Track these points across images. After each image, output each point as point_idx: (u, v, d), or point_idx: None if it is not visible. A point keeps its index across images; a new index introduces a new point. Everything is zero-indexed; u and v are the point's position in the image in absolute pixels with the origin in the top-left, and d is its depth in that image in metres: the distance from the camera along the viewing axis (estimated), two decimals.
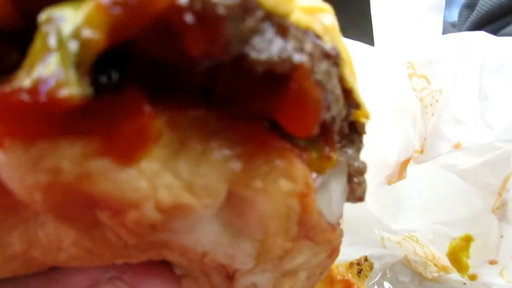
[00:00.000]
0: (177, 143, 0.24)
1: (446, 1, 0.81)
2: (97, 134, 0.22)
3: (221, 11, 0.22)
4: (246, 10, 0.23)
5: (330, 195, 0.32)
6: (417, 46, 0.72)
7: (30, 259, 0.28)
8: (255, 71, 0.24)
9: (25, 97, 0.21)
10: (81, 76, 0.21)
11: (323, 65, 0.27)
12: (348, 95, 0.32)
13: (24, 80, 0.21)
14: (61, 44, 0.21)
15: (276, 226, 0.28)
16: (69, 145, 0.22)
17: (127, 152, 0.23)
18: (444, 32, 0.79)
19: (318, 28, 0.29)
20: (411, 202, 0.93)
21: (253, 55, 0.24)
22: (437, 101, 0.71)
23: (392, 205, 0.91)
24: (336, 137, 0.31)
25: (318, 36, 0.29)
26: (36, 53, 0.21)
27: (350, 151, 0.35)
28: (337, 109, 0.29)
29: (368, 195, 0.38)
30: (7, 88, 0.21)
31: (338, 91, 0.30)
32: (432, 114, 0.72)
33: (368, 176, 0.37)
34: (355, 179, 0.35)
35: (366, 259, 0.91)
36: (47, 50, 0.21)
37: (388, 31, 0.74)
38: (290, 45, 0.25)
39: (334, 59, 0.29)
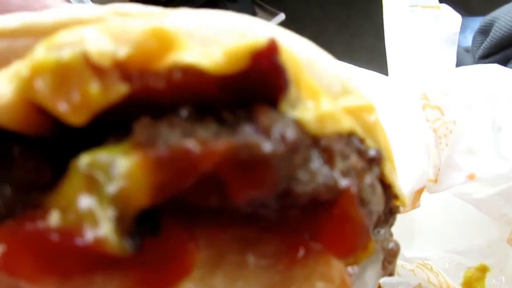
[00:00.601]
0: (214, 258, 0.25)
1: (460, 27, 0.82)
2: (134, 272, 0.22)
3: (269, 159, 0.22)
4: (294, 149, 0.23)
5: (364, 283, 0.33)
6: (430, 78, 0.73)
7: None
8: (299, 202, 0.24)
9: (62, 239, 0.21)
10: (122, 233, 0.21)
11: (368, 179, 0.28)
12: (387, 189, 0.32)
13: (58, 219, 0.21)
14: (103, 199, 0.21)
15: None
16: (104, 282, 0.22)
17: (165, 286, 0.23)
18: (458, 57, 0.80)
19: (360, 129, 0.30)
20: (425, 230, 0.93)
21: (299, 188, 0.24)
22: (451, 132, 0.72)
23: (406, 232, 0.91)
24: (372, 228, 0.31)
25: (361, 140, 0.30)
26: (71, 192, 0.22)
27: (383, 231, 0.35)
28: (377, 209, 0.30)
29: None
30: (42, 225, 0.21)
31: (381, 198, 0.30)
32: (446, 145, 0.73)
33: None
34: (389, 260, 0.36)
35: (379, 286, 0.91)
36: (85, 200, 0.21)
37: (402, 62, 0.75)
38: (336, 171, 0.25)
39: (377, 162, 0.30)
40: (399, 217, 0.92)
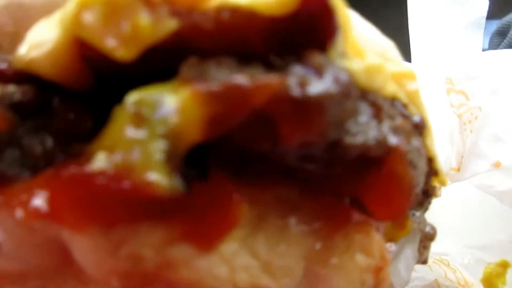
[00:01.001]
0: (256, 219, 0.24)
1: None
2: (180, 220, 0.22)
3: (322, 98, 0.21)
4: (345, 95, 0.22)
5: (402, 264, 0.33)
6: (456, 62, 0.71)
7: None
8: (348, 155, 0.23)
9: (108, 182, 0.20)
10: (172, 170, 0.20)
11: (415, 143, 0.27)
12: (430, 163, 0.32)
13: (104, 162, 0.21)
14: (153, 134, 0.20)
15: None
16: (150, 231, 0.21)
17: (210, 238, 0.22)
18: None
19: (403, 95, 0.29)
20: (444, 224, 0.90)
21: (348, 139, 0.23)
22: (476, 118, 0.70)
23: None
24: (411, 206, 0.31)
25: (404, 106, 0.29)
26: (117, 134, 0.21)
27: (418, 213, 0.35)
28: (421, 179, 0.29)
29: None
30: (86, 170, 0.21)
31: (425, 166, 0.29)
32: (471, 131, 0.71)
33: None
34: (424, 244, 0.35)
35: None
36: (134, 138, 0.21)
37: (426, 47, 0.73)
38: (385, 126, 0.25)
39: (421, 130, 0.29)
40: None
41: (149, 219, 0.21)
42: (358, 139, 0.23)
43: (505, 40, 1.27)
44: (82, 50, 0.23)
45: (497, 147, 0.69)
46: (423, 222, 0.36)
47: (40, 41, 0.24)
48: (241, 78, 0.21)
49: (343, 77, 0.22)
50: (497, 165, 0.69)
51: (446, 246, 0.88)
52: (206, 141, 0.21)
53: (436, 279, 0.89)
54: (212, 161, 0.23)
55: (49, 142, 0.23)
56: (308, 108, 0.21)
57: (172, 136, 0.20)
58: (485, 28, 1.31)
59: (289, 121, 0.21)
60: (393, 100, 0.28)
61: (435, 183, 0.34)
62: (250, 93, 0.20)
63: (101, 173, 0.20)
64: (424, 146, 0.30)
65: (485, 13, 0.73)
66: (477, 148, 0.70)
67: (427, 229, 0.36)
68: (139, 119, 0.21)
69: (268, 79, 0.21)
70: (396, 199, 0.26)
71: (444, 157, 0.72)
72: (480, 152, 0.70)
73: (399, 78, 0.30)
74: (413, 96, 0.31)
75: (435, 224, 0.95)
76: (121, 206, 0.20)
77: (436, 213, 0.89)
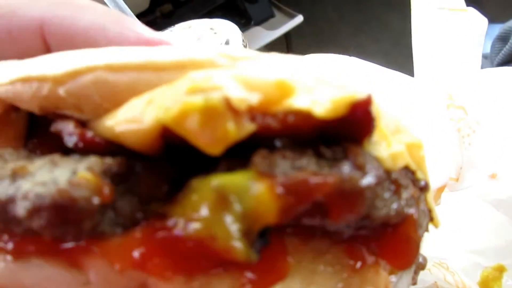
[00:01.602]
0: (294, 264, 0.30)
1: None
2: (242, 273, 0.28)
3: (364, 190, 0.28)
4: (379, 184, 0.29)
5: None
6: (456, 78, 0.75)
7: None
8: (374, 223, 0.30)
9: (194, 245, 0.26)
10: (248, 244, 0.27)
11: (422, 207, 0.34)
12: (429, 213, 0.38)
13: (189, 228, 0.27)
14: (235, 215, 0.27)
15: None
16: (220, 281, 0.28)
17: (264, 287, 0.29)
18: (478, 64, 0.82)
19: (412, 163, 0.36)
20: (443, 229, 0.94)
21: (375, 213, 0.30)
22: (474, 131, 0.75)
23: None
24: None
25: (413, 172, 0.36)
26: (197, 205, 0.27)
27: None
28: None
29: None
30: (173, 234, 0.27)
31: (427, 222, 0.37)
32: (469, 144, 0.75)
33: None
34: (416, 272, 0.43)
35: None
36: (219, 215, 0.27)
37: (428, 64, 0.77)
38: (403, 199, 0.32)
39: (425, 192, 0.36)
40: None
41: (219, 272, 0.27)
42: (383, 212, 0.30)
43: (506, 46, 1.30)
44: (166, 132, 0.29)
45: (494, 159, 0.73)
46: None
47: (131, 120, 0.29)
48: (308, 176, 0.27)
49: (379, 171, 0.30)
50: (493, 176, 0.73)
51: (445, 250, 0.92)
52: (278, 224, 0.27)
53: (435, 282, 0.94)
54: (273, 231, 0.29)
55: (136, 203, 0.29)
56: (353, 198, 0.28)
57: (250, 218, 0.27)
58: (487, 32, 1.34)
59: (338, 207, 0.28)
60: (406, 169, 0.35)
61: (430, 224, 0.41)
62: (314, 188, 0.27)
63: (189, 237, 0.27)
64: (426, 203, 0.37)
65: (484, 32, 0.77)
66: (475, 160, 0.74)
67: (420, 259, 0.43)
68: (222, 200, 0.27)
69: (328, 178, 0.27)
70: (406, 254, 0.33)
71: (444, 168, 0.77)
72: (477, 163, 0.74)
73: (409, 148, 0.36)
74: (420, 162, 0.37)
75: (435, 230, 0.99)
76: (200, 263, 0.27)
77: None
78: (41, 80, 0.33)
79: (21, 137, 0.37)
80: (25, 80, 0.33)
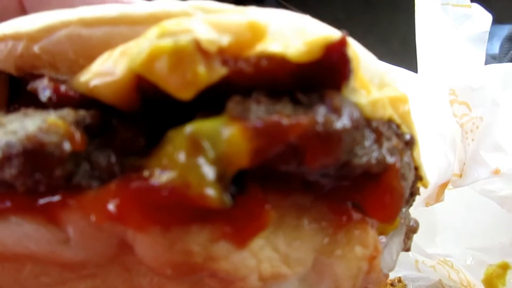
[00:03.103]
0: (277, 220, 0.30)
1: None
2: (221, 223, 0.27)
3: (340, 133, 0.27)
4: (356, 128, 0.29)
5: (390, 253, 0.39)
6: (459, 74, 0.76)
7: None
8: (354, 172, 0.30)
9: (169, 193, 0.26)
10: (222, 189, 0.26)
11: (406, 159, 0.33)
12: (416, 171, 0.38)
13: (163, 177, 0.26)
14: (207, 160, 0.26)
15: (347, 284, 0.33)
16: (198, 232, 0.27)
17: (245, 237, 0.28)
18: (485, 64, 0.83)
19: (397, 117, 0.35)
20: (448, 227, 0.95)
21: (355, 161, 0.29)
22: (477, 127, 0.75)
23: (429, 228, 0.93)
24: None
25: (398, 126, 0.35)
26: (173, 155, 0.27)
27: (404, 209, 0.42)
28: (409, 189, 0.35)
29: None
30: (150, 183, 0.26)
31: (413, 176, 0.35)
32: (472, 140, 0.75)
33: None
34: (408, 235, 0.42)
35: (400, 280, 0.93)
36: (191, 161, 0.26)
37: (432, 59, 0.78)
38: (385, 148, 0.31)
39: (411, 146, 0.36)
40: (421, 213, 0.95)
41: (197, 223, 0.27)
42: (363, 160, 0.29)
43: None
44: (139, 83, 0.29)
45: (497, 155, 0.74)
46: (408, 216, 0.42)
47: (104, 72, 0.29)
48: (280, 118, 0.27)
49: (356, 114, 0.29)
50: (496, 172, 0.73)
51: (449, 248, 0.92)
52: (251, 167, 0.27)
53: (440, 280, 0.94)
54: (249, 178, 0.29)
55: (112, 157, 0.29)
56: (329, 141, 0.27)
57: (223, 162, 0.26)
58: (496, 33, 1.35)
59: (314, 150, 0.27)
60: (389, 121, 0.34)
61: (419, 185, 0.40)
62: (287, 130, 0.26)
63: (163, 186, 0.26)
64: (413, 158, 0.36)
65: (488, 28, 0.78)
66: (478, 156, 0.74)
67: (411, 223, 0.42)
68: (196, 146, 0.26)
69: (301, 119, 0.27)
70: (390, 206, 0.32)
71: (447, 164, 0.77)
72: (481, 159, 0.74)
73: (394, 102, 0.36)
74: (405, 117, 0.37)
75: (439, 227, 0.99)
76: (177, 213, 0.26)
77: (441, 217, 0.94)
78: (16, 38, 0.33)
79: (2, 103, 0.37)
80: (0, 39, 0.33)
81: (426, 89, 0.76)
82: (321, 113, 0.27)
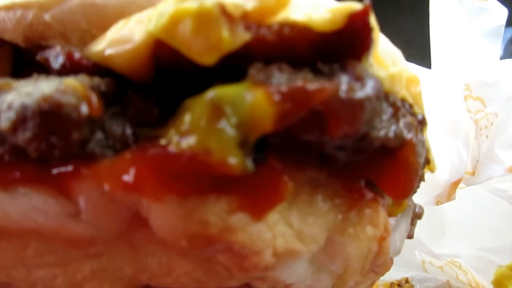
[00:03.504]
0: (291, 196, 0.29)
1: None
2: (239, 193, 0.27)
3: (363, 101, 0.27)
4: (378, 98, 0.28)
5: (397, 235, 0.38)
6: (474, 69, 0.74)
7: (134, 280, 0.33)
8: (372, 146, 0.29)
9: (188, 161, 0.25)
10: (245, 155, 0.25)
11: (420, 137, 0.33)
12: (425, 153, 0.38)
13: (182, 144, 0.25)
14: (230, 124, 0.25)
15: (357, 265, 0.33)
16: (215, 202, 0.26)
17: (262, 209, 0.27)
18: None
19: (410, 97, 0.36)
20: (456, 227, 0.93)
21: (374, 133, 0.29)
22: (492, 124, 0.73)
23: (437, 229, 0.92)
24: None
25: (411, 106, 0.35)
26: (194, 121, 0.26)
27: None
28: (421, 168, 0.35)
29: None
30: (167, 149, 0.25)
31: (424, 156, 0.35)
32: (487, 137, 0.74)
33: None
34: (413, 221, 0.42)
35: (407, 281, 0.92)
36: (213, 127, 0.25)
37: (446, 54, 0.76)
38: (402, 123, 0.31)
39: (422, 126, 0.35)
40: (431, 211, 0.93)
41: (215, 192, 0.26)
42: (381, 133, 0.29)
43: None
44: (156, 51, 0.28)
45: (511, 152, 0.72)
46: (413, 202, 0.42)
47: (120, 40, 0.28)
48: (305, 82, 0.26)
49: (377, 85, 0.29)
50: (510, 170, 0.71)
51: (458, 248, 0.91)
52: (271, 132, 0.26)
53: (448, 281, 0.92)
54: (269, 147, 0.28)
55: (127, 126, 0.28)
56: (352, 108, 0.27)
57: (246, 127, 0.25)
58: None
59: (336, 117, 0.26)
60: (403, 100, 0.34)
61: (426, 169, 0.41)
62: (311, 95, 0.26)
63: (182, 153, 0.25)
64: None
65: (504, 22, 0.76)
66: (492, 153, 0.73)
67: (417, 209, 0.42)
68: (218, 112, 0.25)
69: (325, 84, 0.26)
70: (405, 182, 0.32)
71: (460, 161, 0.75)
72: (495, 157, 0.73)
73: (407, 82, 0.36)
74: (417, 98, 0.37)
75: (447, 227, 0.97)
76: (195, 181, 0.25)
77: (450, 217, 0.92)
78: (26, 6, 0.32)
79: (7, 74, 0.35)
80: (9, 8, 0.32)
81: (440, 84, 0.75)
82: (344, 81, 0.27)
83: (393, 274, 0.92)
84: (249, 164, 0.25)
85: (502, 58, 1.49)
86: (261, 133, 0.26)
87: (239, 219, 0.26)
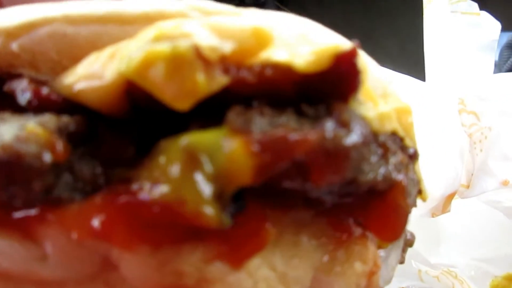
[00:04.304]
0: (274, 237, 0.27)
1: None
2: (216, 242, 0.25)
3: (349, 149, 0.25)
4: (365, 144, 0.27)
5: (388, 266, 0.37)
6: (468, 83, 0.74)
7: None
8: (360, 189, 0.27)
9: (161, 210, 0.23)
10: (221, 207, 0.24)
11: (411, 175, 0.31)
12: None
13: (155, 191, 0.24)
14: (205, 175, 0.23)
15: None
16: (191, 251, 0.25)
17: (241, 258, 0.25)
18: None
19: (401, 129, 0.34)
20: (452, 237, 0.93)
21: (362, 177, 0.27)
22: (486, 137, 0.73)
23: (433, 238, 0.92)
24: None
25: (401, 139, 0.33)
26: (166, 167, 0.24)
27: None
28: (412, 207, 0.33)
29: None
30: (139, 198, 0.24)
31: (416, 191, 0.34)
32: (481, 150, 0.74)
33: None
34: (404, 248, 0.40)
35: None
36: (186, 175, 0.24)
37: (440, 68, 0.76)
38: (391, 164, 0.29)
39: (414, 160, 0.34)
40: (427, 222, 0.93)
41: (190, 242, 0.24)
42: (369, 177, 0.27)
43: None
44: (129, 89, 0.26)
45: (506, 166, 0.72)
46: (405, 230, 0.40)
47: (91, 75, 0.27)
48: (287, 132, 0.24)
49: (365, 130, 0.27)
50: (505, 183, 0.72)
51: (454, 258, 0.91)
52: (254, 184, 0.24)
53: None
54: (248, 195, 0.26)
55: (97, 167, 0.26)
56: (337, 157, 0.25)
57: (223, 179, 0.24)
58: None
59: (320, 167, 0.25)
60: (393, 134, 0.32)
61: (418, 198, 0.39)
62: (294, 146, 0.24)
63: (155, 201, 0.23)
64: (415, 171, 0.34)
65: (497, 36, 0.76)
66: (486, 167, 0.73)
67: (408, 236, 0.41)
68: (192, 160, 0.24)
69: (308, 134, 0.24)
70: (394, 224, 0.31)
71: (454, 174, 0.75)
72: (489, 170, 0.73)
73: (398, 113, 0.34)
74: (408, 129, 0.35)
75: (444, 237, 0.97)
76: (168, 230, 0.24)
77: (446, 227, 0.92)
78: None
79: None
80: None
81: (434, 98, 0.75)
82: (329, 128, 0.25)
83: (390, 284, 0.92)
84: (226, 217, 0.24)
85: (497, 63, 1.49)
86: (239, 185, 0.24)
87: (217, 269, 0.25)
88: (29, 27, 0.29)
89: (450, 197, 0.78)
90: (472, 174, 0.75)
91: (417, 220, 0.83)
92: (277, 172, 0.24)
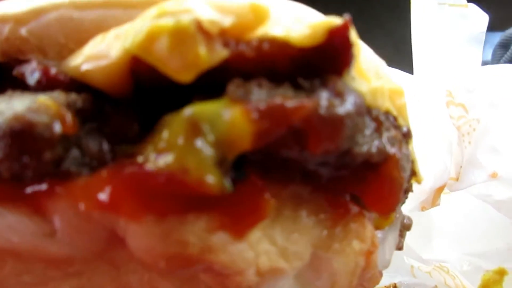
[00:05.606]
0: (274, 212, 0.29)
1: None
2: (219, 212, 0.26)
3: (343, 117, 0.27)
4: (359, 114, 0.28)
5: (385, 249, 0.38)
6: (456, 75, 0.74)
7: None
8: (355, 161, 0.29)
9: (165, 180, 0.24)
10: (223, 174, 0.25)
11: (405, 151, 0.33)
12: (411, 165, 0.37)
13: (162, 162, 0.25)
14: (208, 142, 0.25)
15: (344, 280, 0.32)
16: (194, 221, 0.26)
17: (243, 228, 0.27)
18: None
19: (394, 109, 0.35)
20: (444, 232, 0.93)
21: (356, 149, 0.28)
22: (474, 130, 0.73)
23: (424, 234, 0.91)
24: None
25: (395, 118, 0.35)
26: (171, 139, 0.25)
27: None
28: (406, 182, 0.34)
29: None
30: (144, 168, 0.25)
31: (410, 169, 0.35)
32: (469, 143, 0.73)
33: None
34: (401, 232, 0.42)
35: (395, 286, 0.91)
36: (189, 145, 0.25)
37: (428, 60, 0.76)
38: (385, 137, 0.30)
39: (407, 138, 0.35)
40: (418, 217, 0.92)
41: (194, 211, 0.26)
42: (364, 148, 0.29)
43: (508, 53, 1.30)
44: (133, 67, 0.27)
45: (494, 158, 0.72)
46: (401, 213, 0.42)
47: (97, 55, 0.28)
48: (284, 99, 0.26)
49: (358, 100, 0.28)
50: (494, 175, 0.71)
51: (446, 253, 0.90)
52: (253, 149, 0.26)
53: (436, 286, 0.92)
54: (249, 165, 0.27)
55: (104, 142, 0.27)
56: (332, 125, 0.26)
57: (224, 146, 0.25)
58: (488, 40, 1.33)
59: (316, 134, 0.26)
60: (387, 113, 0.33)
61: (413, 180, 0.40)
62: (290, 112, 0.25)
63: (159, 171, 0.25)
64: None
65: (485, 28, 0.76)
66: (475, 159, 0.72)
67: (405, 220, 0.42)
68: (195, 129, 0.25)
69: (304, 101, 0.26)
70: (389, 197, 0.32)
71: (443, 167, 0.75)
72: (478, 163, 0.72)
73: (391, 94, 0.35)
74: (401, 110, 0.36)
75: (435, 232, 0.96)
76: (173, 200, 0.25)
77: (436, 221, 0.92)
78: (2, 21, 0.31)
79: None
80: None
81: (422, 90, 0.74)
82: (324, 97, 0.26)
83: (382, 280, 0.92)
84: (227, 183, 0.25)
85: (490, 62, 1.49)
86: (240, 151, 0.25)
87: (220, 238, 0.26)
88: (37, 13, 0.31)
89: (439, 190, 0.78)
90: (461, 167, 0.75)
91: (408, 215, 0.83)
92: (275, 138, 0.26)
